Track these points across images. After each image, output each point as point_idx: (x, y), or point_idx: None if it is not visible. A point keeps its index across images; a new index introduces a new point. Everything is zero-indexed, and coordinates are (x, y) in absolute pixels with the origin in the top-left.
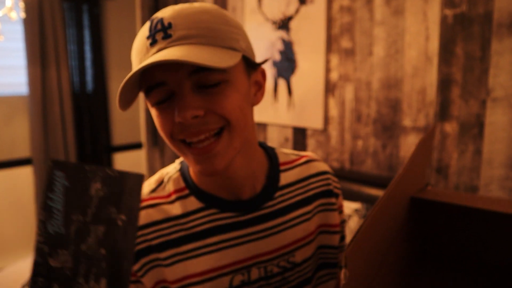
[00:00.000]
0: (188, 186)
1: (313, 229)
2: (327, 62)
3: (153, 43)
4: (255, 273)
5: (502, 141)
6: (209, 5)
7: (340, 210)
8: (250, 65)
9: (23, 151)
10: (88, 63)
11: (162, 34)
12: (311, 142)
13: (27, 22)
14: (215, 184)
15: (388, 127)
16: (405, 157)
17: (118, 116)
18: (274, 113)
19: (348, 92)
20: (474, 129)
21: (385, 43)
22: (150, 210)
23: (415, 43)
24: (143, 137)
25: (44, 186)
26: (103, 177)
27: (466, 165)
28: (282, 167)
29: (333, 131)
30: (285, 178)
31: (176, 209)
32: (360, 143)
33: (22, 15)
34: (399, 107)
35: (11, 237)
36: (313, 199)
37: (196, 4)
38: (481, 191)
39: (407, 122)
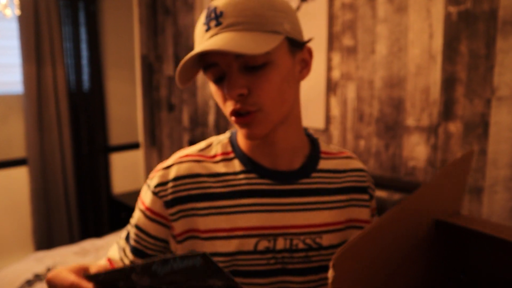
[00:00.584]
0: (234, 151)
1: (343, 219)
2: (329, 60)
3: (208, 29)
4: (280, 243)
5: (507, 141)
6: None
7: (372, 213)
8: (295, 45)
9: (18, 151)
10: (85, 61)
11: (214, 22)
12: None
13: (22, 20)
14: (258, 151)
15: (391, 126)
16: (408, 158)
17: (115, 115)
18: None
19: (350, 91)
20: (478, 128)
21: (388, 41)
22: (194, 164)
23: (418, 41)
24: (140, 137)
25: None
26: (228, 285)
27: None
28: (322, 155)
29: (335, 131)
30: (324, 164)
31: (219, 168)
32: (362, 143)
33: (17, 12)
34: (402, 106)
35: (6, 238)
36: (347, 191)
37: None
38: (485, 192)
39: (410, 121)
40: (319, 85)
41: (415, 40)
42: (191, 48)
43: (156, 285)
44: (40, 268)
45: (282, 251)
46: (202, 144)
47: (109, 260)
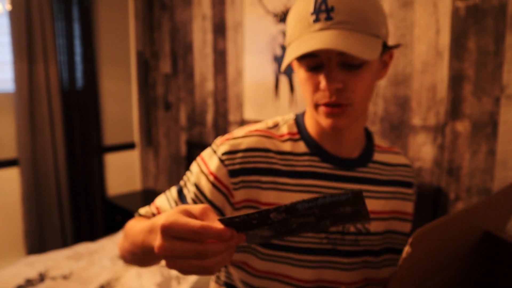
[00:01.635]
0: (300, 132)
1: (388, 209)
2: None
3: (316, 20)
4: None
5: None
6: None
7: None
8: (384, 47)
9: (9, 151)
10: (78, 58)
11: (325, 15)
12: None
13: (13, 15)
14: (325, 136)
15: (396, 126)
16: (414, 158)
17: (109, 114)
18: (275, 110)
19: None
20: (487, 128)
21: (393, 37)
22: (265, 139)
23: (424, 36)
24: (136, 137)
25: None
26: (362, 215)
27: (478, 166)
28: (376, 148)
29: None
30: (378, 156)
31: (286, 146)
32: None
33: (8, 7)
34: (407, 105)
35: None
36: (396, 184)
37: None
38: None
39: (416, 120)
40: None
41: (421, 36)
42: (189, 44)
43: (292, 218)
44: (31, 273)
45: (335, 233)
46: (269, 123)
47: (157, 208)
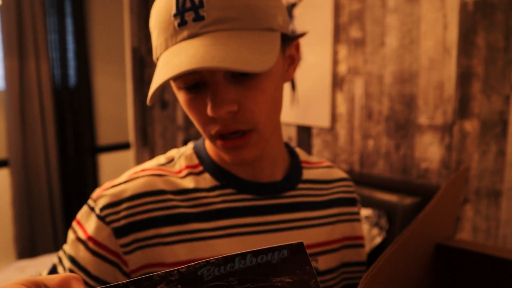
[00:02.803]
0: (203, 163)
1: (337, 237)
2: (335, 53)
3: (182, 24)
4: None
5: None
6: None
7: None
8: (286, 40)
9: None
10: (71, 54)
11: (193, 15)
12: (317, 142)
13: (3, 10)
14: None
15: (402, 125)
16: (421, 159)
17: (103, 113)
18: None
19: (358, 87)
20: (497, 127)
21: (399, 33)
22: (156, 179)
23: (431, 32)
24: (131, 137)
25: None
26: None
27: (488, 167)
28: (303, 164)
29: (341, 130)
30: (308, 174)
31: (187, 183)
32: (371, 143)
33: None
34: (414, 104)
35: None
36: (337, 204)
37: None
38: (504, 196)
39: (423, 120)
40: (324, 81)
41: (428, 31)
42: None
43: None
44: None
45: None
46: (161, 159)
47: None
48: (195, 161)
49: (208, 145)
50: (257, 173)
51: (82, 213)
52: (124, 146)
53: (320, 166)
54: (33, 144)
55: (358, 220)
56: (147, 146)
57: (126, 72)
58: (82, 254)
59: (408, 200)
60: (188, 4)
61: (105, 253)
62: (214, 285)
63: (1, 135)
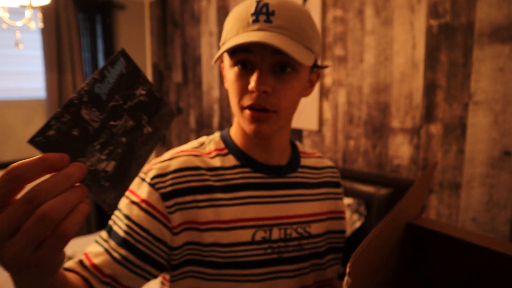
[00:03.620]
0: (227, 147)
1: (325, 210)
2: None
3: (256, 21)
4: (276, 233)
5: (483, 141)
6: (304, 8)
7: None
8: (314, 66)
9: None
10: None
11: (265, 17)
12: (307, 142)
13: (44, 32)
14: (253, 146)
15: (378, 128)
16: (393, 156)
17: None
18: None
19: (341, 96)
20: (457, 130)
21: (375, 51)
22: (193, 158)
23: (402, 51)
24: None
25: (107, 61)
26: (149, 89)
27: (450, 163)
28: (302, 154)
29: (327, 132)
30: (305, 161)
31: (215, 162)
32: (352, 143)
33: (40, 25)
34: (388, 110)
35: None
36: (325, 185)
37: (294, 2)
38: (463, 187)
39: (395, 124)
40: (313, 91)
41: (400, 50)
42: (198, 57)
43: (106, 118)
44: None
45: (278, 241)
46: (194, 143)
47: (86, 254)
48: (222, 145)
49: (233, 133)
50: (268, 158)
51: (134, 184)
52: None
53: (313, 156)
54: None
55: (341, 198)
56: (165, 146)
57: None
58: (136, 213)
59: (383, 191)
60: (264, 10)
61: (154, 212)
62: (115, 109)
63: None
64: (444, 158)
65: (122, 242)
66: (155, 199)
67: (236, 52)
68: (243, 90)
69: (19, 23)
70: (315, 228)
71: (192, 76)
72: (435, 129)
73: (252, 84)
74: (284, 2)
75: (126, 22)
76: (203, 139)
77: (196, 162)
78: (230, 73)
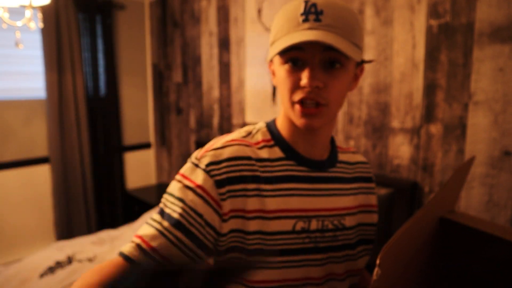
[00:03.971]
0: (274, 138)
1: (357, 204)
2: None
3: (306, 20)
4: (314, 224)
5: (483, 142)
6: (349, 6)
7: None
8: (359, 61)
9: (41, 150)
10: (101, 69)
11: (314, 16)
12: None
13: (44, 32)
14: (299, 140)
15: (378, 128)
16: (393, 156)
17: (128, 118)
18: (272, 115)
19: None
20: (457, 130)
21: (375, 51)
22: (245, 148)
23: (402, 51)
24: (151, 138)
25: None
26: None
27: (450, 163)
28: (339, 149)
29: None
30: (341, 156)
31: (263, 153)
32: (352, 143)
33: (40, 25)
34: (388, 110)
35: (29, 229)
36: (359, 180)
37: (340, 2)
38: (463, 187)
39: (395, 123)
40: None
41: (400, 50)
42: (198, 57)
43: None
44: (61, 256)
45: (315, 231)
46: (242, 132)
47: (141, 237)
48: (268, 136)
49: (280, 125)
50: (312, 152)
51: (186, 169)
52: (146, 145)
53: (348, 151)
54: (69, 144)
55: (373, 193)
56: (165, 146)
57: (147, 84)
58: (191, 198)
59: (383, 191)
60: (312, 10)
61: (209, 198)
62: None
63: (43, 137)
64: (444, 158)
65: (177, 224)
66: (209, 186)
67: (288, 51)
68: (294, 86)
69: (19, 23)
70: (348, 221)
71: (192, 76)
72: (435, 129)
73: (304, 80)
74: (330, 1)
75: (126, 22)
76: (249, 128)
77: (247, 152)
78: (281, 70)
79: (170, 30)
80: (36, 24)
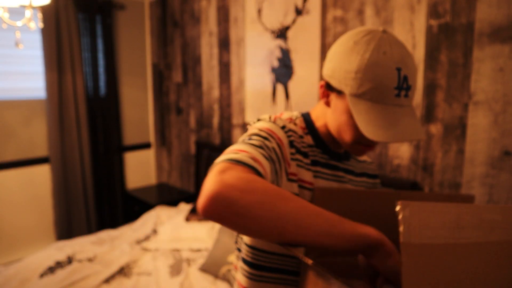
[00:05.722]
0: (307, 127)
1: None
2: (322, 68)
3: (398, 96)
4: None
5: (483, 141)
6: (413, 56)
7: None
8: None
9: (41, 150)
10: (101, 69)
11: (404, 92)
12: None
13: (45, 32)
14: (327, 134)
15: None
16: (393, 156)
17: (128, 118)
18: (273, 114)
19: None
20: (457, 130)
21: None
22: (298, 128)
23: None
24: (151, 138)
25: None
26: None
27: (450, 163)
28: None
29: None
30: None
31: (304, 138)
32: None
33: (40, 25)
34: None
35: (29, 229)
36: (366, 176)
37: (413, 59)
38: (463, 187)
39: None
40: (312, 91)
41: None
42: (198, 57)
43: None
44: (61, 256)
45: None
46: (289, 116)
47: (248, 152)
48: (303, 125)
49: (314, 117)
50: (333, 145)
51: (266, 124)
52: (146, 145)
53: None
54: (70, 144)
55: (377, 188)
56: (165, 146)
57: (147, 84)
58: (274, 145)
59: None
60: (405, 85)
61: (284, 152)
62: None
63: (43, 137)
64: (444, 158)
65: (271, 159)
66: (286, 143)
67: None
68: (359, 137)
69: (19, 23)
70: None
71: (192, 76)
72: (435, 129)
73: (369, 149)
74: (413, 68)
75: (126, 22)
76: (292, 114)
77: (299, 131)
78: (348, 117)
79: (170, 30)
80: (36, 24)
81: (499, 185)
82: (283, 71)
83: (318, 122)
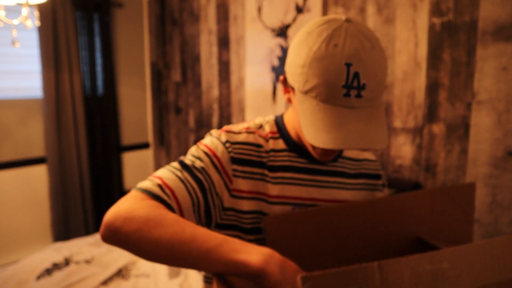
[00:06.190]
0: (279, 131)
1: (359, 199)
2: None
3: (347, 95)
4: None
5: (486, 141)
6: (383, 51)
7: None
8: None
9: (38, 150)
10: (99, 68)
11: (356, 92)
12: None
13: (41, 30)
14: (302, 136)
15: None
16: (395, 156)
17: (126, 117)
18: (273, 114)
19: None
20: (460, 130)
21: None
22: (259, 138)
23: (405, 49)
24: (150, 138)
25: None
26: None
27: (452, 163)
28: None
29: None
30: (346, 152)
31: (270, 144)
32: None
33: (37, 23)
34: (390, 110)
35: (25, 231)
36: (364, 176)
37: (378, 53)
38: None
39: (397, 123)
40: None
41: (402, 48)
42: (197, 55)
43: None
44: (58, 258)
45: None
46: (256, 122)
47: (160, 178)
48: (275, 129)
49: (286, 120)
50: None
51: (208, 141)
52: (144, 145)
53: None
54: (67, 144)
55: (380, 190)
56: (164, 146)
57: (146, 83)
58: (207, 163)
59: (385, 191)
60: (355, 84)
61: (222, 170)
62: None
63: (40, 137)
64: (447, 158)
65: (199, 182)
66: (225, 160)
67: None
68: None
69: (15, 21)
70: None
71: (191, 75)
72: (437, 128)
73: (327, 155)
74: (371, 64)
75: (124, 20)
76: (260, 120)
77: (260, 141)
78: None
79: (168, 28)
80: (33, 22)
81: (502, 186)
82: (283, 70)
83: (290, 124)
